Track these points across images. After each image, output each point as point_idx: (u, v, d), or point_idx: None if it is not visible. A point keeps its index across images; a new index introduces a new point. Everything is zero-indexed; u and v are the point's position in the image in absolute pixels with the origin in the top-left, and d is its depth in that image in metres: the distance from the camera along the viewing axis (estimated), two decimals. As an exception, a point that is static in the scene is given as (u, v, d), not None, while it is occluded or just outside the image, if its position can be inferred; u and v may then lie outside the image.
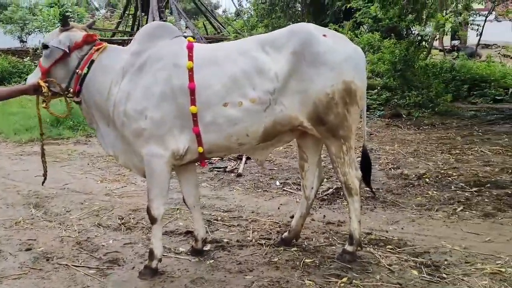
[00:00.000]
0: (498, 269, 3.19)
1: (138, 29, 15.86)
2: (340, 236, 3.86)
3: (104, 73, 3.16)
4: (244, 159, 6.29)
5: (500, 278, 3.09)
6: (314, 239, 3.82)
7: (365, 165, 3.48)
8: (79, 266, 3.43)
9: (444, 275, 3.15)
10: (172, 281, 3.18)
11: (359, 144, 7.25)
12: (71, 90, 3.22)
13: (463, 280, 3.08)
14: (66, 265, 3.45)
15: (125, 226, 4.21)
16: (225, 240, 3.82)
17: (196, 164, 3.51)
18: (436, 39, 15.24)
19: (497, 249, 3.52)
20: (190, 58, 3.06)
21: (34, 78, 3.19)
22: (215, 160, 6.49)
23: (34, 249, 3.75)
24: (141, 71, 3.08)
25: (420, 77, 10.12)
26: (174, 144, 3.09)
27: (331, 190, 5.03)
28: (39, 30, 18.67)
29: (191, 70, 3.02)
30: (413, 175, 5.46)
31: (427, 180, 5.29)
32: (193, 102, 3.00)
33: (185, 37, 3.33)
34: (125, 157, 3.32)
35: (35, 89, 3.14)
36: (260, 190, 5.21)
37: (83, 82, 3.18)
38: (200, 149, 3.11)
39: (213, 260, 3.46)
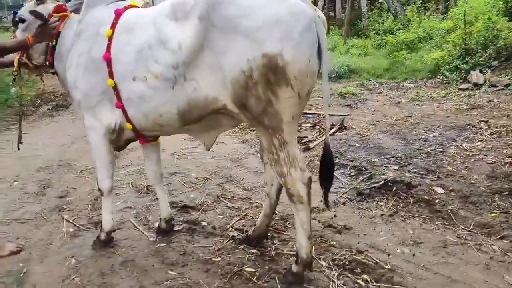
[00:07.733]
0: None
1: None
2: (325, 247, 3.05)
3: (63, 43, 3.12)
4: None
5: None
6: (290, 243, 3.13)
7: (325, 167, 2.59)
8: (74, 225, 3.65)
9: None
10: (109, 257, 3.10)
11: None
12: (47, 63, 3.27)
13: None
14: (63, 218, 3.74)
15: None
16: (203, 224, 3.51)
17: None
18: None
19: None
20: (113, 25, 2.74)
21: None
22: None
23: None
24: (77, 40, 2.93)
25: None
26: (106, 118, 2.89)
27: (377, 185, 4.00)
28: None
29: (110, 39, 2.71)
30: (530, 178, 3.82)
31: (544, 189, 3.63)
32: (110, 75, 2.72)
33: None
34: None
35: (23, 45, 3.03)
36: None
37: (54, 53, 3.21)
38: (129, 126, 2.84)
39: (165, 244, 3.23)
